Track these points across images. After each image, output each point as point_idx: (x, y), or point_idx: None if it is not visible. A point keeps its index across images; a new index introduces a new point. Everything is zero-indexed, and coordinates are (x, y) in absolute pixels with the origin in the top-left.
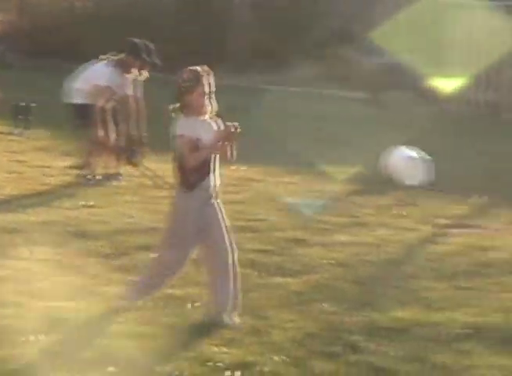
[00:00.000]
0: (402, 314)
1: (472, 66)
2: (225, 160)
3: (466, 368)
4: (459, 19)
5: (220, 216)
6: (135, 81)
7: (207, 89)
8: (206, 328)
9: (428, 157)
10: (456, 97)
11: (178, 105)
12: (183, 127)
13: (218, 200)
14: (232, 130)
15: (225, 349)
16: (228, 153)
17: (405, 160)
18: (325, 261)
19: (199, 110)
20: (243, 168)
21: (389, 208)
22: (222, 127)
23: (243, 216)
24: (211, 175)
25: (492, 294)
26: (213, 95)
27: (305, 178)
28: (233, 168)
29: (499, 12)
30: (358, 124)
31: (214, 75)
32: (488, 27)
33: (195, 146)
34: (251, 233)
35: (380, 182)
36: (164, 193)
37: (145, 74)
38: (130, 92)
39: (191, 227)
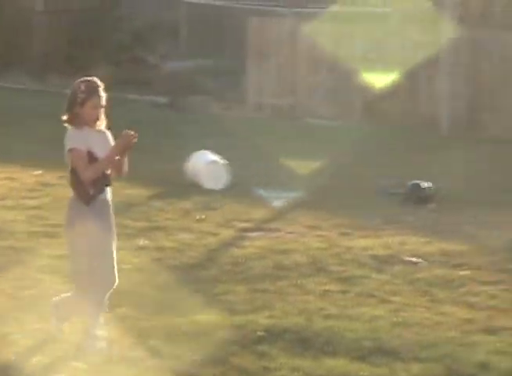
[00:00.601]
0: (203, 318)
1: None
2: (119, 173)
3: (266, 370)
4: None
5: (113, 231)
6: None
7: (102, 101)
8: (2, 336)
9: (226, 161)
10: (250, 101)
11: (68, 116)
12: (74, 139)
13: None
14: (130, 140)
15: (22, 356)
16: (124, 166)
17: (207, 164)
18: (123, 266)
19: (92, 122)
20: (39, 172)
21: (190, 212)
22: (113, 140)
23: (40, 221)
24: (108, 188)
25: (291, 297)
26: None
27: None
28: (33, 172)
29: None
30: (158, 128)
31: (14, 80)
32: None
33: (90, 158)
34: (48, 238)
35: (181, 186)
36: None
37: None
38: None
39: (90, 239)
